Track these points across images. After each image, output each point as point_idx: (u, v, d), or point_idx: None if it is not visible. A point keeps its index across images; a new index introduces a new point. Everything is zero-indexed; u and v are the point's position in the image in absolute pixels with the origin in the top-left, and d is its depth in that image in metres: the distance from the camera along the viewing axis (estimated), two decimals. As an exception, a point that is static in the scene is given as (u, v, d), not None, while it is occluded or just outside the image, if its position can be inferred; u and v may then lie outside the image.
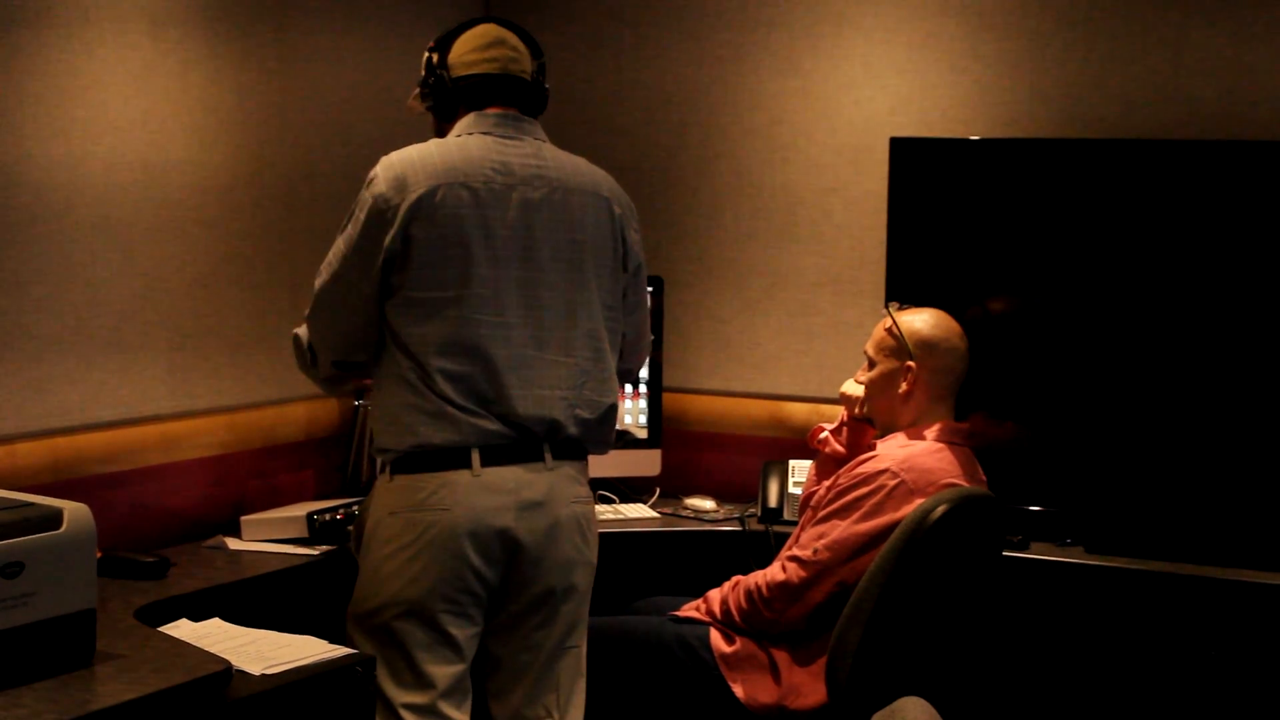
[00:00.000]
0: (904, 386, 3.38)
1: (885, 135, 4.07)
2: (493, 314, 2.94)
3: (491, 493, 2.92)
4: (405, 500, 2.93)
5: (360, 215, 2.96)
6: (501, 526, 2.92)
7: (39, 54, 3.26)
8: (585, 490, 3.10)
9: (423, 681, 2.92)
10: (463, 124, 3.07)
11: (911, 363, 3.37)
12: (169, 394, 3.63)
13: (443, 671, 2.93)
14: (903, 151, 3.99)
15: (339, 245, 2.99)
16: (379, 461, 3.04)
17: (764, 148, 4.36)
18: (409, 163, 2.95)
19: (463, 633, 2.95)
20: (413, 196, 2.91)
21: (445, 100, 3.11)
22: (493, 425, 2.93)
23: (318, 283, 3.04)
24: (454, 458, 2.92)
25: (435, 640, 2.92)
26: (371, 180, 2.96)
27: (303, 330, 3.16)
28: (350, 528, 3.49)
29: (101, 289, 3.44)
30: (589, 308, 3.06)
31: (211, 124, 3.70)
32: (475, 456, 2.92)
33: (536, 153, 3.05)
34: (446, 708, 2.93)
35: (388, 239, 2.91)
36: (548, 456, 2.99)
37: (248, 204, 3.82)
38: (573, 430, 3.02)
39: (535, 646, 3.02)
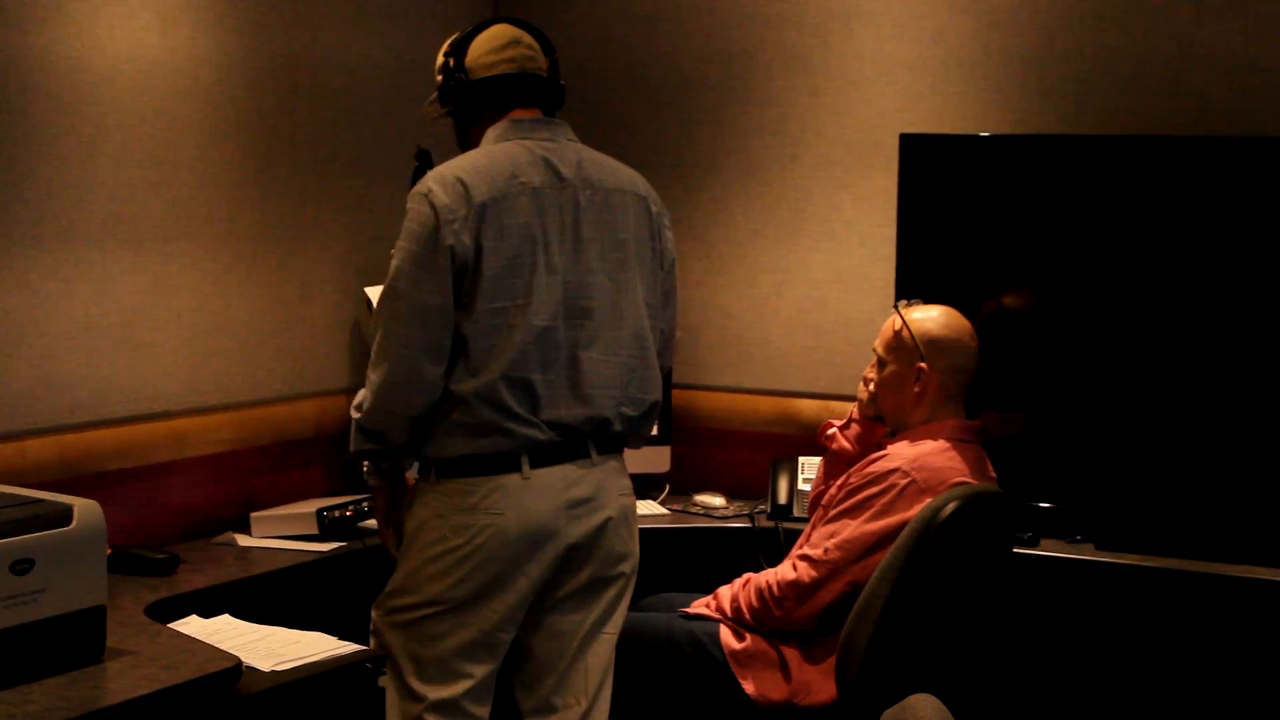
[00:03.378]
0: (916, 387, 3.37)
1: (895, 131, 4.06)
2: (548, 318, 2.92)
3: (542, 493, 2.92)
4: (455, 504, 2.92)
5: (425, 232, 2.86)
6: (555, 533, 2.93)
7: (49, 49, 3.27)
8: (628, 483, 3.11)
9: (455, 678, 2.92)
10: (496, 131, 3.04)
11: (923, 364, 3.36)
12: (179, 390, 3.64)
13: (478, 669, 2.94)
14: (912, 148, 3.99)
15: (406, 270, 2.88)
16: (418, 463, 3.02)
17: (773, 144, 4.36)
18: (464, 174, 2.90)
19: (506, 635, 2.96)
20: (479, 209, 2.87)
21: (466, 102, 3.10)
22: (543, 435, 2.92)
23: (389, 317, 2.89)
24: (504, 461, 2.91)
25: (476, 640, 2.93)
26: (429, 194, 2.88)
27: (361, 397, 2.98)
28: (373, 521, 3.47)
29: (111, 286, 3.45)
30: (635, 307, 3.06)
31: (220, 121, 3.71)
32: (525, 460, 2.92)
33: (575, 155, 3.04)
34: (470, 705, 2.94)
35: (461, 250, 2.85)
36: (593, 453, 3.00)
37: (256, 200, 3.82)
38: (619, 427, 3.03)
39: (569, 632, 3.02)
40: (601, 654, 3.07)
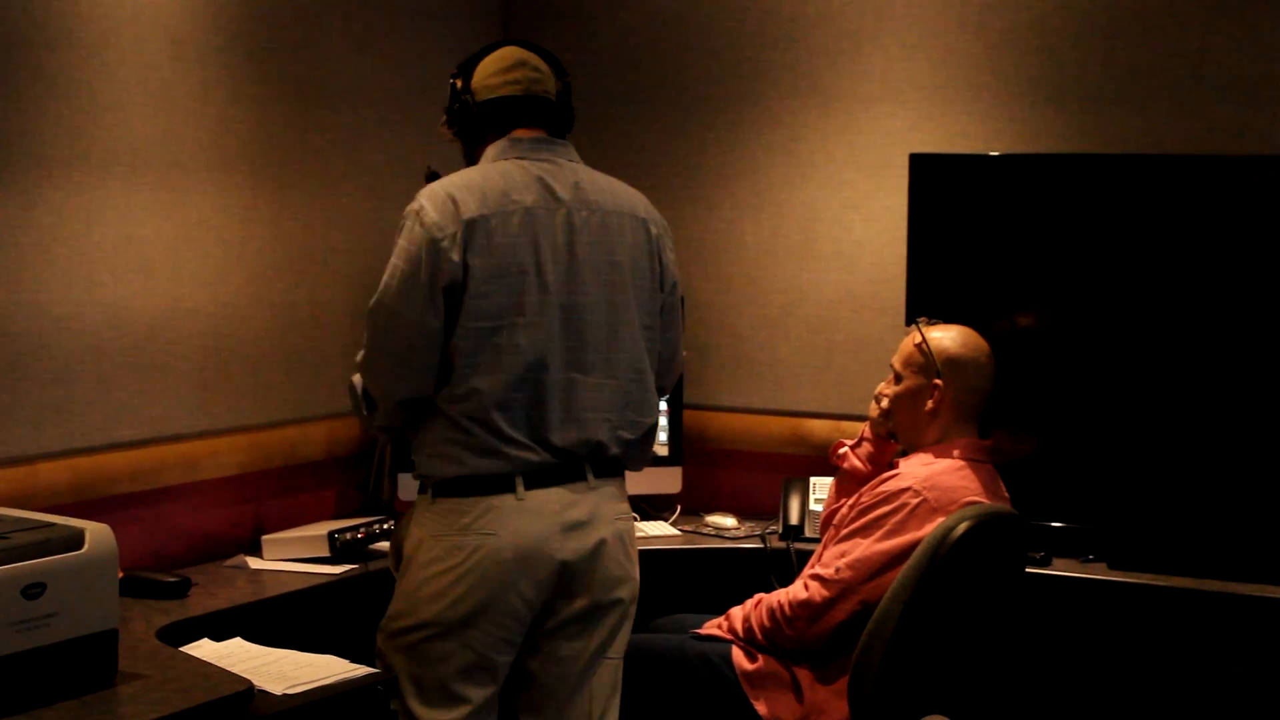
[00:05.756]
0: (930, 405, 3.36)
1: (905, 151, 4.07)
2: (541, 339, 2.92)
3: (536, 516, 2.91)
4: (449, 524, 2.91)
5: (414, 249, 2.87)
6: (548, 552, 2.91)
7: (60, 74, 3.28)
8: (626, 507, 3.09)
9: (455, 702, 2.91)
10: (495, 149, 3.03)
11: (939, 381, 3.36)
12: (190, 414, 3.64)
13: (477, 693, 2.92)
14: (922, 167, 3.99)
15: (393, 285, 2.90)
16: (418, 482, 3.03)
17: (783, 164, 4.36)
18: (456, 191, 2.91)
19: (503, 658, 2.94)
20: (467, 225, 2.87)
21: (471, 125, 3.09)
22: (537, 456, 2.91)
23: (372, 328, 2.95)
24: (498, 482, 2.91)
25: (473, 663, 2.91)
26: (419, 211, 2.89)
27: (358, 379, 3.05)
28: (385, 544, 3.48)
29: (122, 309, 3.45)
30: (630, 329, 3.05)
31: (231, 143, 3.71)
32: (519, 481, 2.91)
33: (574, 175, 3.04)
34: None
35: (449, 267, 2.85)
36: (590, 476, 2.99)
37: (267, 223, 3.83)
38: (615, 450, 3.02)
39: (571, 659, 3.01)
40: (605, 680, 3.06)
